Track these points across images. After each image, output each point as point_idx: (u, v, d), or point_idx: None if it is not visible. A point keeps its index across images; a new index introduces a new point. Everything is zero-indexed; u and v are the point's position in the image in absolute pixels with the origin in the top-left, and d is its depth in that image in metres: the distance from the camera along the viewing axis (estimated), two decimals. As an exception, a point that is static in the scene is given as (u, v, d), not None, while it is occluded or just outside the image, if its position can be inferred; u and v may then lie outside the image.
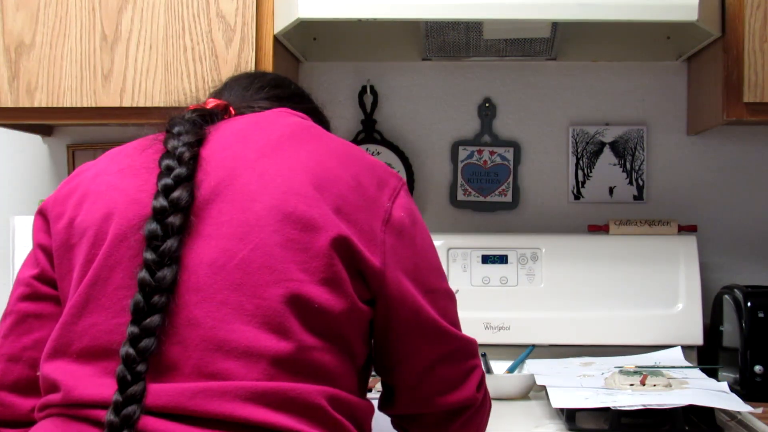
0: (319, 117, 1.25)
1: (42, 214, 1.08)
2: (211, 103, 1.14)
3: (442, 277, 1.10)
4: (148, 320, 0.92)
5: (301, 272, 0.95)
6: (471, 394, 1.09)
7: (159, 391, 0.91)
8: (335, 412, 0.96)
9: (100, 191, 1.02)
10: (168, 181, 0.97)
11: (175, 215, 0.95)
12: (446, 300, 1.09)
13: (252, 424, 0.91)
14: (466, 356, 1.10)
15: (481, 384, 1.12)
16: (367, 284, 1.00)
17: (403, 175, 1.97)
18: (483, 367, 1.66)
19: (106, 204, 1.00)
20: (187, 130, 1.03)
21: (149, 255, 0.94)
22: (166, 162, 0.99)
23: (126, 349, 0.91)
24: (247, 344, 0.93)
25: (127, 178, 1.02)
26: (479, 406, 1.12)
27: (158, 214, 0.95)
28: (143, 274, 0.93)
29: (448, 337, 1.07)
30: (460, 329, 1.10)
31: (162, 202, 0.96)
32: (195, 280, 0.94)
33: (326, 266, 0.96)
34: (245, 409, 0.90)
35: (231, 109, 1.14)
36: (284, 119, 1.11)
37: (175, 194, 0.96)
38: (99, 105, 1.66)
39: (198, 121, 1.06)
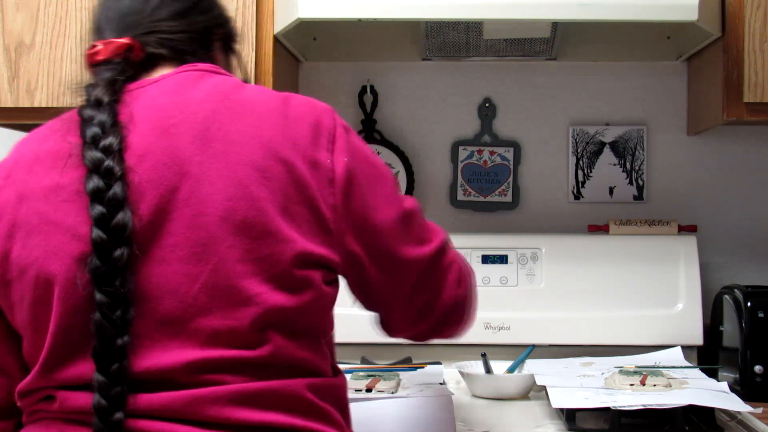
0: (226, 29, 1.16)
1: None
2: (109, 48, 1.01)
3: (399, 199, 1.07)
4: (115, 366, 0.89)
5: (265, 283, 0.93)
6: (453, 293, 1.13)
7: (150, 401, 0.91)
8: (320, 401, 0.98)
9: (31, 224, 0.94)
10: (100, 209, 0.90)
11: (120, 247, 0.89)
12: (410, 220, 1.08)
13: (247, 425, 0.92)
14: (439, 259, 1.11)
15: (461, 279, 1.15)
16: (336, 270, 1.01)
17: (403, 175, 1.97)
18: (483, 366, 1.67)
19: (44, 241, 0.93)
20: (103, 130, 0.93)
21: (100, 297, 0.89)
22: (93, 184, 0.91)
23: (98, 399, 0.89)
24: (229, 362, 0.93)
25: (59, 207, 0.93)
26: (466, 301, 1.18)
27: (99, 249, 0.89)
28: (97, 316, 0.89)
29: (422, 258, 1.08)
30: (429, 237, 1.10)
31: (99, 233, 0.89)
32: (163, 311, 0.91)
33: (288, 274, 0.95)
34: (240, 413, 0.91)
35: (136, 47, 1.03)
36: (200, 89, 1.00)
37: (114, 221, 0.89)
38: (99, 105, 1.66)
39: (111, 114, 0.95)
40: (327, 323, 1.04)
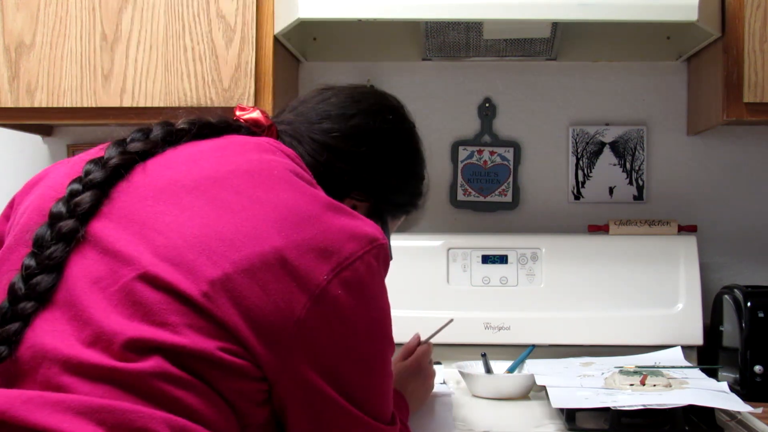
0: (379, 166, 1.15)
1: (12, 201, 1.05)
2: (249, 118, 1.08)
3: (375, 372, 0.95)
4: (6, 327, 0.86)
5: (178, 314, 0.86)
6: None
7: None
8: None
9: (47, 182, 1.00)
10: (76, 186, 0.92)
11: (68, 220, 0.90)
12: (367, 394, 0.94)
13: None
14: None
15: None
16: (257, 365, 0.88)
17: (403, 175, 1.97)
18: (483, 366, 1.67)
19: (38, 196, 0.97)
20: (139, 137, 0.98)
21: (29, 261, 0.88)
22: (88, 167, 0.94)
23: None
24: (95, 369, 0.85)
25: (71, 172, 0.96)
26: None
27: (52, 219, 0.90)
28: (16, 279, 0.88)
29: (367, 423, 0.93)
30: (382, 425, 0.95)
31: (60, 207, 0.91)
32: (68, 293, 0.88)
33: (204, 318, 0.86)
34: (72, 423, 0.81)
35: (272, 130, 1.08)
36: (247, 155, 0.99)
37: (77, 199, 0.91)
38: (99, 105, 1.66)
39: (159, 133, 0.99)
40: (246, 406, 0.89)
